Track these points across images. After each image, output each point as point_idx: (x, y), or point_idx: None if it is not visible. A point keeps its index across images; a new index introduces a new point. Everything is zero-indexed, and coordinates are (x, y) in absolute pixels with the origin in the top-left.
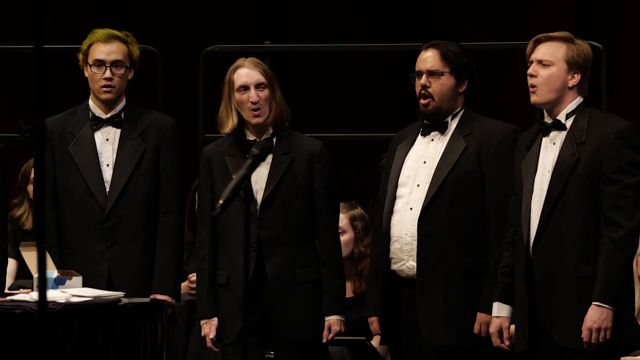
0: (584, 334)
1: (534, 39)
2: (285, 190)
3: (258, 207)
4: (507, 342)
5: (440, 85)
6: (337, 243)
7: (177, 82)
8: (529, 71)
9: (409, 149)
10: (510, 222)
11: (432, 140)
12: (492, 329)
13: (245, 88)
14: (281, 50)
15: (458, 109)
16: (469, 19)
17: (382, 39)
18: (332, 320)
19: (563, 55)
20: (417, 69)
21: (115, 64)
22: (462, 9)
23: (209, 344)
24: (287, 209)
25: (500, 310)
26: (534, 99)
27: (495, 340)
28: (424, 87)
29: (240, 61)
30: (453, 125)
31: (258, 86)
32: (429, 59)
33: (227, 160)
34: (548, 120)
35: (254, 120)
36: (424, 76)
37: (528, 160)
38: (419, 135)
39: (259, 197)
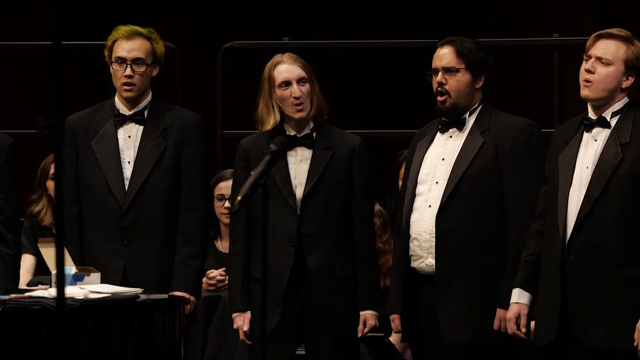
0: (637, 335)
1: (595, 34)
2: (325, 186)
3: (298, 202)
4: (523, 330)
5: (457, 82)
6: (373, 238)
7: (196, 78)
8: (587, 67)
9: (428, 146)
10: (539, 212)
11: (451, 137)
12: (510, 314)
13: (287, 84)
14: (299, 46)
15: (476, 105)
16: (486, 15)
17: (399, 35)
18: (368, 315)
19: (623, 55)
20: (433, 66)
21: (136, 61)
22: (479, 4)
23: (241, 336)
24: (327, 205)
25: (520, 296)
26: (585, 93)
27: (512, 327)
28: (441, 84)
29: (278, 57)
30: (471, 121)
31: (300, 81)
32: (444, 55)
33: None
34: (593, 116)
35: (297, 115)
36: (440, 73)
37: (567, 153)
38: (438, 132)
39: (299, 192)
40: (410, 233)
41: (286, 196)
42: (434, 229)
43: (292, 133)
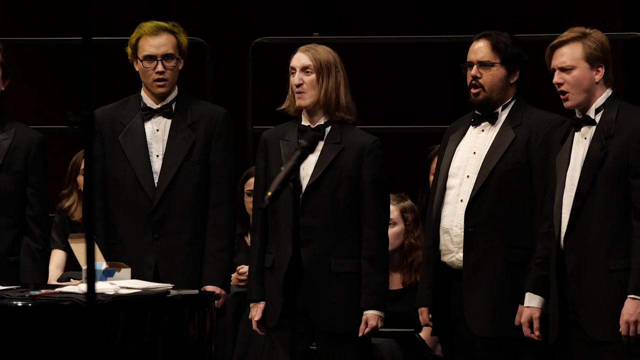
0: (622, 328)
1: (549, 46)
2: (330, 179)
3: (301, 193)
4: (537, 333)
5: (491, 76)
6: (384, 238)
7: (226, 74)
8: (555, 80)
9: (460, 140)
10: (545, 214)
11: (483, 130)
12: (523, 319)
13: (293, 71)
14: (330, 42)
15: (509, 100)
16: (520, 10)
17: (432, 30)
18: (370, 315)
19: (581, 54)
20: (468, 59)
21: (166, 57)
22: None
23: (254, 326)
24: (330, 198)
25: (530, 300)
26: (567, 104)
27: (526, 331)
28: (475, 77)
29: (302, 46)
30: (503, 115)
31: (303, 69)
32: (479, 49)
33: (282, 144)
34: (579, 115)
35: (297, 102)
36: (474, 67)
37: (561, 154)
38: (470, 126)
39: (304, 183)
40: (441, 227)
41: (291, 187)
42: (464, 223)
43: (306, 123)
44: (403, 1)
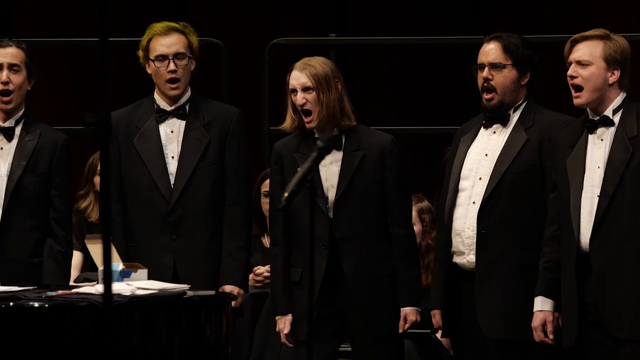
0: None
1: (570, 39)
2: (357, 188)
3: (330, 206)
4: (550, 336)
5: (503, 78)
6: (412, 234)
7: (243, 75)
8: (569, 72)
9: (472, 142)
10: (551, 218)
11: (494, 132)
12: (536, 323)
13: (294, 91)
14: (345, 43)
15: (520, 102)
16: (533, 12)
17: (446, 32)
18: (408, 311)
19: (600, 53)
20: (479, 61)
21: (177, 56)
22: (526, 2)
23: (283, 339)
24: (360, 207)
25: (543, 304)
26: (577, 101)
27: (539, 335)
28: (487, 79)
29: (297, 63)
30: (515, 117)
31: (305, 89)
32: (491, 51)
33: (297, 157)
34: (593, 117)
35: (307, 125)
36: (486, 69)
37: (574, 157)
38: (481, 128)
39: (331, 195)
40: (453, 229)
41: (317, 200)
42: (476, 224)
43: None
44: (419, 2)
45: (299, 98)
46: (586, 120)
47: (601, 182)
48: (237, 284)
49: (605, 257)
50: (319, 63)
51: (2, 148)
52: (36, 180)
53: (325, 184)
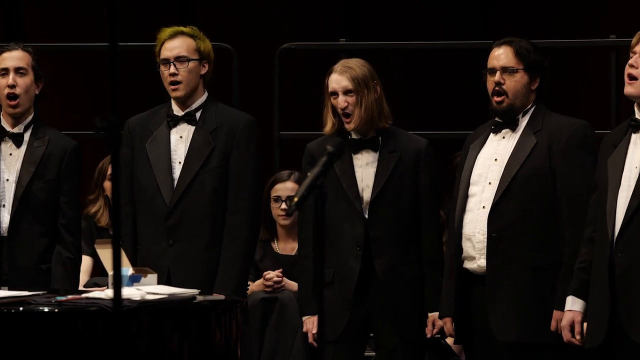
0: None
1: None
2: (392, 189)
3: (365, 206)
4: (578, 337)
5: (515, 82)
6: (440, 239)
7: (253, 79)
8: (631, 61)
9: (481, 148)
10: (590, 219)
11: (504, 137)
12: (564, 322)
13: (335, 94)
14: (355, 48)
15: (529, 106)
16: (545, 16)
17: (456, 36)
18: (437, 316)
19: None
20: (489, 65)
21: (178, 59)
22: (538, 6)
23: (310, 339)
24: (394, 208)
25: (573, 304)
26: (629, 90)
27: (567, 334)
28: (498, 83)
29: (336, 65)
30: (524, 122)
31: (346, 93)
32: (502, 55)
33: None
34: (639, 116)
35: (346, 126)
36: (497, 73)
37: (615, 156)
38: (491, 134)
39: (366, 195)
40: (464, 234)
41: (353, 200)
42: (486, 229)
43: (357, 137)
44: (429, 7)
45: (341, 101)
46: (632, 119)
47: (635, 181)
48: (229, 292)
49: (629, 258)
50: (358, 65)
51: (11, 154)
52: (45, 187)
53: (360, 185)
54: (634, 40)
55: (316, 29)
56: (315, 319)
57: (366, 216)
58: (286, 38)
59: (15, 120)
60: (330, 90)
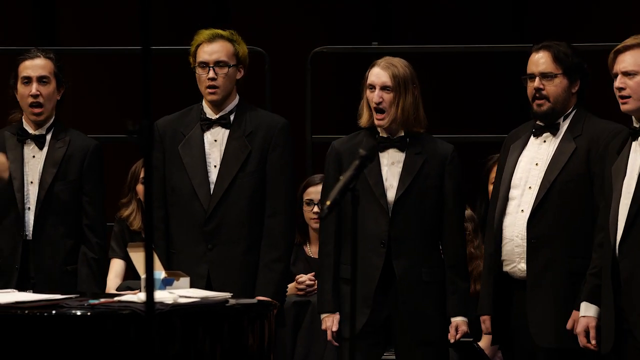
0: None
1: (612, 51)
2: (417, 190)
3: (390, 205)
4: (593, 342)
5: (555, 87)
6: (464, 245)
7: (285, 83)
8: (616, 85)
9: (522, 150)
10: (600, 225)
11: (544, 141)
12: (579, 328)
13: (372, 87)
14: (388, 51)
15: (570, 110)
16: (581, 19)
17: (490, 39)
18: (459, 321)
19: None
20: (529, 71)
21: (218, 63)
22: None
23: (329, 337)
24: (418, 209)
25: (587, 310)
26: (625, 107)
27: (582, 340)
28: (538, 89)
29: (379, 60)
30: (564, 126)
31: (384, 88)
32: (541, 60)
33: None
34: (636, 124)
35: (377, 122)
36: (537, 79)
37: (618, 164)
38: (532, 137)
39: (391, 194)
40: (503, 237)
41: (378, 198)
42: (526, 233)
43: (384, 135)
44: (460, 10)
45: (376, 95)
46: (630, 128)
47: (634, 188)
48: (270, 296)
49: (632, 265)
50: (401, 65)
51: (34, 156)
52: (67, 188)
53: (385, 184)
54: (609, 63)
55: (348, 33)
56: (335, 316)
57: (390, 215)
58: (318, 42)
59: (38, 124)
60: (368, 82)
